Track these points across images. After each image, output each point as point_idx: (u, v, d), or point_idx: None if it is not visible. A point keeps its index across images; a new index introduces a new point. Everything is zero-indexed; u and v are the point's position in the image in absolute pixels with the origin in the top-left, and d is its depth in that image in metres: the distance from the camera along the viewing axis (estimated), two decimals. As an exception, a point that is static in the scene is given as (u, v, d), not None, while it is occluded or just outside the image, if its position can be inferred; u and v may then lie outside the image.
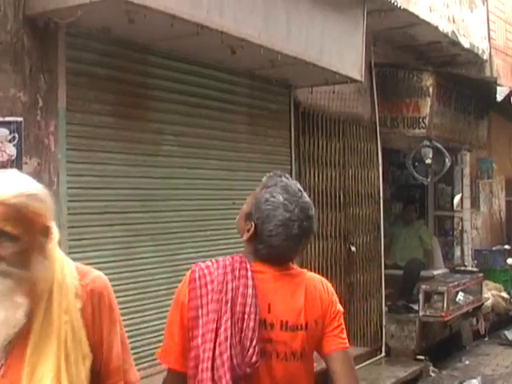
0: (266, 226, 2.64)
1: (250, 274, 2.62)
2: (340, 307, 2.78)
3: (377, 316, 10.35)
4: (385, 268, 10.61)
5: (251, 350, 2.53)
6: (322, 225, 9.07)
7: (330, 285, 2.81)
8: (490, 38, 11.74)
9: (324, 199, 9.11)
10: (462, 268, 13.18)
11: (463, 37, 10.80)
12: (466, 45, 10.94)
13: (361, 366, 9.28)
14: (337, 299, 2.79)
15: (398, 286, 11.15)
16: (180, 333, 2.64)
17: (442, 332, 11.17)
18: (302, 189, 2.77)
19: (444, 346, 11.10)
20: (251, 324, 2.54)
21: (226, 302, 2.57)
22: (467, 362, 10.99)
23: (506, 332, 12.61)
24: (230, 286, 2.60)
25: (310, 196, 8.75)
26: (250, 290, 2.59)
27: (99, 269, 5.87)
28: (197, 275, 2.65)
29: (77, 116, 5.55)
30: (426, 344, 10.63)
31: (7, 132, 4.71)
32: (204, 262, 2.72)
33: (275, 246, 2.65)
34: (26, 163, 4.97)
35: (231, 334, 2.53)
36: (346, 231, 9.70)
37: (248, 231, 2.68)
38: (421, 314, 10.46)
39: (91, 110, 5.71)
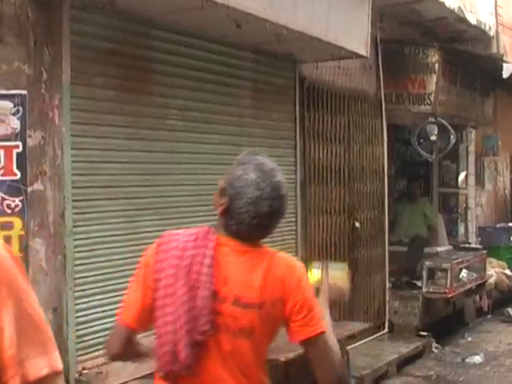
0: (236, 203, 2.66)
1: (211, 244, 2.65)
2: (311, 293, 2.71)
3: (380, 292, 10.37)
4: (389, 244, 10.62)
5: (202, 319, 2.56)
6: (326, 200, 9.07)
7: (301, 269, 2.74)
8: (497, 15, 11.65)
9: (328, 175, 9.10)
10: (466, 245, 13.18)
11: (470, 13, 10.72)
12: (473, 21, 10.87)
13: (364, 341, 9.32)
14: (307, 284, 2.72)
15: (401, 263, 11.17)
16: (141, 292, 2.70)
17: (445, 309, 11.20)
18: (276, 168, 2.75)
19: (447, 322, 11.13)
20: (203, 293, 2.57)
21: (182, 268, 2.61)
22: (470, 339, 11.02)
23: (509, 309, 12.63)
24: (188, 252, 2.64)
25: (314, 171, 8.71)
26: (207, 260, 2.61)
27: (103, 242, 5.91)
28: (164, 240, 2.72)
29: (81, 89, 5.54)
30: (429, 320, 10.66)
31: (11, 105, 4.69)
32: (176, 230, 2.79)
33: (245, 223, 2.66)
34: (30, 136, 4.97)
35: (187, 299, 2.57)
36: (350, 207, 9.69)
37: (221, 206, 2.70)
38: (424, 290, 10.48)
39: (95, 84, 5.70)
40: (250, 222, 2.65)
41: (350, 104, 9.60)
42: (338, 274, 2.93)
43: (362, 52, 7.75)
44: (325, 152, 9.03)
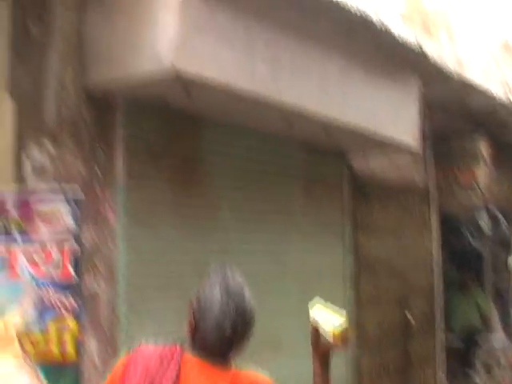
0: (201, 323, 2.67)
1: (177, 360, 2.65)
2: None
3: (434, 385, 10.16)
4: (442, 335, 10.44)
5: None
6: (378, 292, 8.98)
7: None
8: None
9: (379, 266, 9.04)
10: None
11: (518, 102, 10.72)
12: (522, 110, 10.86)
13: None
14: None
15: (455, 354, 10.95)
16: None
17: (502, 402, 10.92)
18: (243, 286, 2.78)
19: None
20: None
21: (148, 381, 2.60)
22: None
23: None
24: (155, 367, 2.63)
25: (364, 263, 8.53)
26: (172, 375, 2.60)
27: (156, 337, 5.86)
28: (133, 354, 2.70)
29: (134, 187, 5.59)
30: (485, 414, 10.40)
31: (66, 204, 4.75)
32: (148, 345, 2.77)
33: (208, 343, 2.66)
34: (84, 235, 5.00)
35: None
36: (401, 298, 9.58)
37: (188, 324, 2.71)
38: (480, 384, 10.26)
39: (149, 183, 5.75)
40: (213, 344, 2.66)
41: (399, 195, 9.59)
42: (332, 328, 2.76)
43: (412, 144, 7.76)
44: (375, 243, 8.99)
